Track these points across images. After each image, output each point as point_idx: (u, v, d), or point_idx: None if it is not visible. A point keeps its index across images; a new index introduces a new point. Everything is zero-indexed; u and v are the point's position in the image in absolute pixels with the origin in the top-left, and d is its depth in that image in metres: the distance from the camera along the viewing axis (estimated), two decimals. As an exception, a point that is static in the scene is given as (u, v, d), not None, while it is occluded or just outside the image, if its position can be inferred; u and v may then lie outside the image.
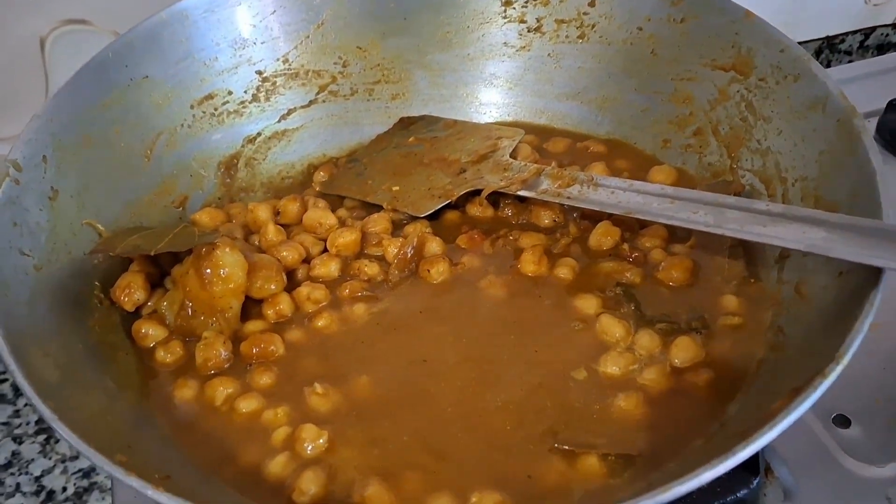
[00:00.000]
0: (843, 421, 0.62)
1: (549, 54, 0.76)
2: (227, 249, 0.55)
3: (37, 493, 0.71)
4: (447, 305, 0.59)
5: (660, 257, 0.61)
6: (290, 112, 0.75)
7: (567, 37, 0.75)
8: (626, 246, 0.62)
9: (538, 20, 0.75)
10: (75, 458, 0.74)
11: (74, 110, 0.61)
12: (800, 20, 1.02)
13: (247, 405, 0.53)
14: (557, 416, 0.51)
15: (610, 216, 0.62)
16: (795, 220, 0.51)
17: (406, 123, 0.77)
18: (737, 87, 0.65)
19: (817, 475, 0.58)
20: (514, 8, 0.75)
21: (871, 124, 0.88)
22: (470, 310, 0.59)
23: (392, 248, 0.62)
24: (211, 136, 0.71)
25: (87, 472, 0.72)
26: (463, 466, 0.49)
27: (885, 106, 0.88)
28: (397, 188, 0.69)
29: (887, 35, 1.11)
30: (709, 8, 0.66)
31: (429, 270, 0.61)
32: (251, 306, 0.59)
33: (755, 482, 0.55)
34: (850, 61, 1.11)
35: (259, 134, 0.74)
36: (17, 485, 0.72)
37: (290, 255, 0.61)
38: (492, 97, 0.78)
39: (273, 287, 0.59)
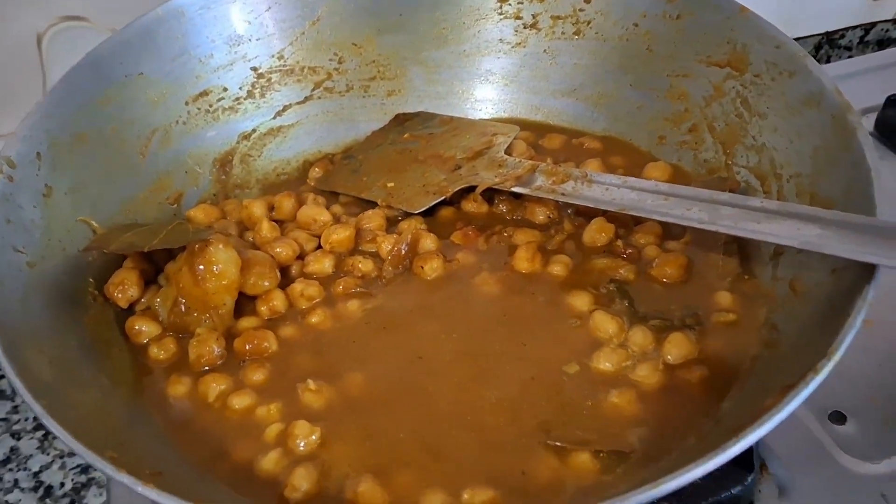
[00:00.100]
0: (838, 417, 0.62)
1: (544, 51, 0.76)
2: (221, 246, 0.55)
3: (35, 489, 0.71)
4: (441, 302, 0.59)
5: (654, 254, 0.60)
6: (285, 108, 0.75)
7: (563, 33, 0.75)
8: (620, 242, 0.62)
9: (534, 16, 0.75)
10: (73, 454, 0.74)
11: (69, 107, 0.61)
12: (800, 15, 1.02)
13: (240, 401, 0.53)
14: (550, 413, 0.51)
15: (604, 213, 0.62)
16: (789, 216, 0.51)
17: (401, 120, 0.77)
18: (732, 83, 0.65)
19: (812, 471, 0.58)
20: (510, 4, 0.75)
21: (870, 120, 0.87)
22: (464, 306, 0.59)
23: (386, 245, 0.62)
24: (206, 132, 0.71)
25: (85, 468, 0.72)
26: (456, 463, 0.49)
27: (884, 101, 0.88)
28: (392, 185, 0.69)
29: (887, 30, 1.11)
30: (704, 4, 0.66)
31: (423, 267, 0.61)
32: (245, 303, 0.59)
33: (750, 479, 0.55)
34: (850, 56, 1.11)
35: (254, 130, 0.74)
36: (16, 480, 0.72)
37: (284, 251, 0.61)
38: (487, 94, 0.78)
39: (267, 283, 0.59)
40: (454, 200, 0.67)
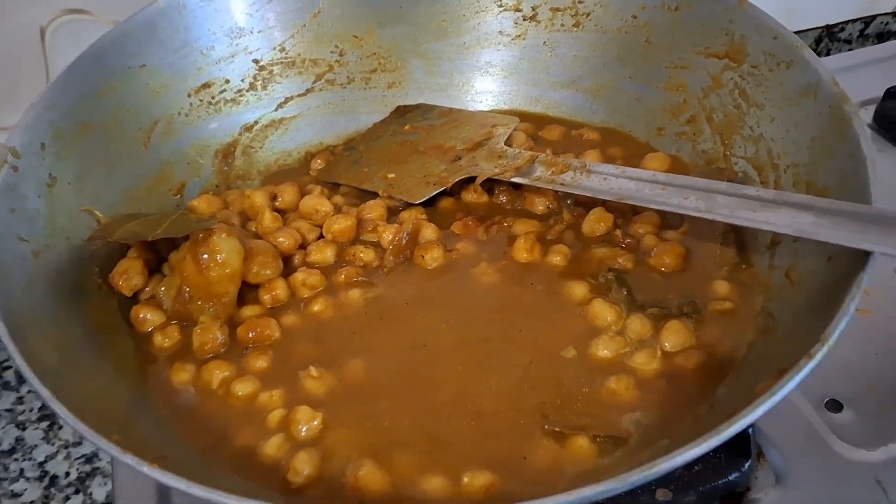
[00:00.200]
0: (835, 406, 0.62)
1: (544, 43, 0.76)
2: (224, 235, 0.55)
3: (40, 479, 0.72)
4: (441, 291, 0.60)
5: (652, 243, 0.61)
6: (286, 100, 0.76)
7: (562, 25, 0.75)
8: (618, 232, 0.62)
9: (533, 9, 0.75)
10: (78, 444, 0.75)
11: (72, 98, 0.61)
12: (799, 8, 1.02)
13: (243, 388, 0.54)
14: (549, 399, 0.52)
15: (603, 203, 0.63)
16: (785, 205, 0.51)
17: (402, 112, 0.77)
18: (730, 74, 0.65)
19: (809, 459, 0.58)
20: (510, -4, 0.76)
21: (869, 112, 0.88)
22: (464, 295, 0.60)
23: (387, 235, 0.63)
24: (208, 124, 0.72)
25: (90, 458, 0.73)
26: (455, 448, 0.49)
27: (882, 94, 0.88)
28: (393, 175, 0.69)
29: (887, 23, 1.11)
30: (702, -4, 0.67)
31: (423, 256, 0.61)
32: (247, 292, 0.60)
33: (747, 465, 0.56)
34: (849, 50, 1.11)
35: (256, 122, 0.75)
36: (21, 470, 0.72)
37: (286, 241, 0.62)
38: (487, 85, 0.78)
39: (269, 272, 0.59)
40: (454, 191, 0.68)
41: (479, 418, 0.51)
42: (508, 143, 0.70)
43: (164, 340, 0.57)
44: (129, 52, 0.66)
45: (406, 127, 0.74)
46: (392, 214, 0.66)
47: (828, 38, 1.09)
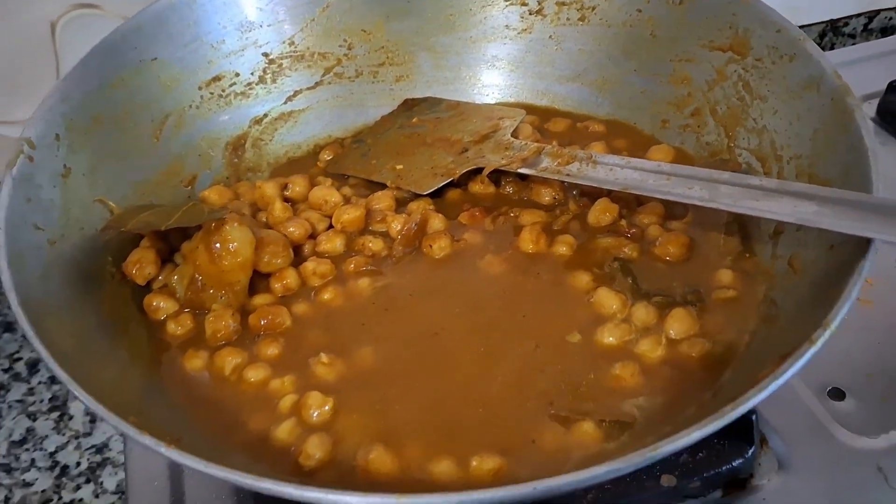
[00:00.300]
0: (837, 394, 0.63)
1: (549, 37, 0.77)
2: (236, 224, 0.56)
3: (51, 468, 0.73)
4: (449, 280, 0.61)
5: (657, 233, 0.62)
6: (295, 94, 0.76)
7: (568, 19, 0.76)
8: (623, 222, 0.63)
9: (539, 3, 0.76)
10: (88, 434, 0.75)
11: (86, 90, 0.62)
12: (804, 3, 1.02)
13: (255, 374, 0.55)
14: (555, 384, 0.52)
15: (608, 193, 0.64)
16: (787, 194, 0.52)
17: (410, 105, 0.78)
18: (734, 67, 0.66)
19: (811, 446, 0.59)
20: (516, -10, 0.76)
21: (872, 106, 0.88)
22: (471, 284, 0.60)
23: (396, 225, 0.64)
24: (218, 117, 0.72)
25: (100, 448, 0.74)
26: (464, 432, 0.50)
27: (885, 87, 0.89)
28: (401, 167, 0.70)
29: (891, 18, 1.11)
30: (707, -11, 0.67)
31: (431, 246, 0.62)
32: (258, 281, 0.61)
33: (750, 452, 0.57)
34: (853, 44, 1.11)
35: (265, 115, 0.75)
36: (32, 460, 0.73)
37: (296, 230, 0.63)
38: (494, 79, 0.79)
39: (280, 262, 0.60)
40: (461, 182, 0.68)
41: (487, 404, 0.52)
42: (515, 135, 0.70)
43: (178, 328, 0.58)
44: (141, 45, 0.67)
45: (414, 120, 0.75)
46: (400, 205, 0.67)
47: (832, 33, 1.10)
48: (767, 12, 0.63)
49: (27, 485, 0.72)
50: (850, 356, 0.65)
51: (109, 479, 0.72)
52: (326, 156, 0.75)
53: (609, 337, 0.55)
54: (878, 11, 1.09)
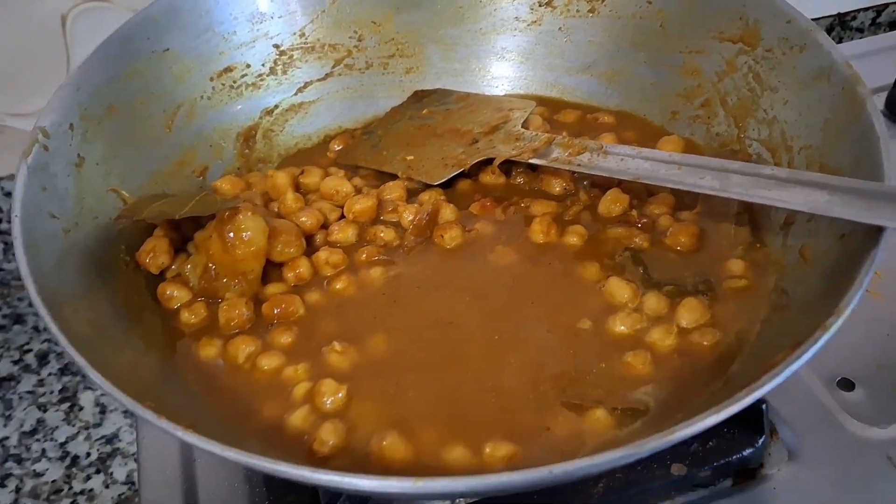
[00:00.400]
0: (846, 385, 0.63)
1: (559, 28, 0.77)
2: (249, 213, 0.56)
3: (62, 459, 0.73)
4: (460, 270, 0.61)
5: (667, 223, 0.62)
6: (306, 85, 0.77)
7: (577, 11, 0.76)
8: (634, 213, 0.63)
9: (549, -6, 0.76)
10: (98, 425, 0.76)
11: (99, 81, 0.62)
12: (812, -3, 1.02)
13: (268, 362, 0.55)
14: (567, 371, 0.53)
15: (619, 184, 0.64)
16: (799, 183, 0.52)
17: (419, 97, 0.78)
18: (744, 58, 0.66)
19: (821, 436, 0.60)
20: (526, -18, 0.76)
21: (881, 99, 0.88)
22: (482, 274, 0.60)
23: (408, 215, 0.64)
24: (230, 108, 0.73)
25: (110, 439, 0.75)
26: (477, 420, 0.51)
27: (894, 80, 0.89)
28: (412, 158, 0.70)
29: (899, 12, 1.12)
30: (716, -20, 0.67)
31: (442, 236, 0.62)
32: (270, 270, 0.61)
33: (760, 441, 0.57)
34: (861, 38, 1.11)
35: (276, 106, 0.76)
36: (43, 450, 0.74)
37: (308, 220, 0.63)
38: (503, 71, 0.79)
39: (293, 251, 0.60)
40: (472, 173, 0.69)
41: (500, 391, 0.52)
42: (525, 126, 0.70)
43: (191, 317, 0.58)
44: (153, 36, 0.67)
45: (424, 111, 0.75)
46: (411, 196, 0.67)
47: (840, 27, 1.10)
48: (778, 3, 0.63)
49: (38, 475, 0.73)
50: (860, 348, 0.66)
51: (119, 470, 0.72)
52: (336, 146, 0.75)
53: (620, 326, 0.55)
54: (886, 5, 1.09)
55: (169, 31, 0.68)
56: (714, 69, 0.68)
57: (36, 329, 0.87)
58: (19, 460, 0.74)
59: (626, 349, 0.54)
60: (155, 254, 0.60)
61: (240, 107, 0.73)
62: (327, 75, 0.77)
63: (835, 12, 1.08)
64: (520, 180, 0.68)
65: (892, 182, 0.49)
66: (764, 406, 0.57)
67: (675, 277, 0.58)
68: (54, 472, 0.73)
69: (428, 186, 0.68)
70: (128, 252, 0.61)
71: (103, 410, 0.78)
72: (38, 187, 0.55)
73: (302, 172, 0.69)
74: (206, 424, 0.50)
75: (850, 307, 0.43)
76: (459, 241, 0.63)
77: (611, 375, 0.53)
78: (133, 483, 0.72)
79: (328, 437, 0.49)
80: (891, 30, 1.12)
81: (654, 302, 0.56)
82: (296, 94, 0.76)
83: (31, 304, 0.87)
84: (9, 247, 0.88)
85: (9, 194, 0.85)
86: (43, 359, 0.83)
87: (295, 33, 0.75)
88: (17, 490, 0.71)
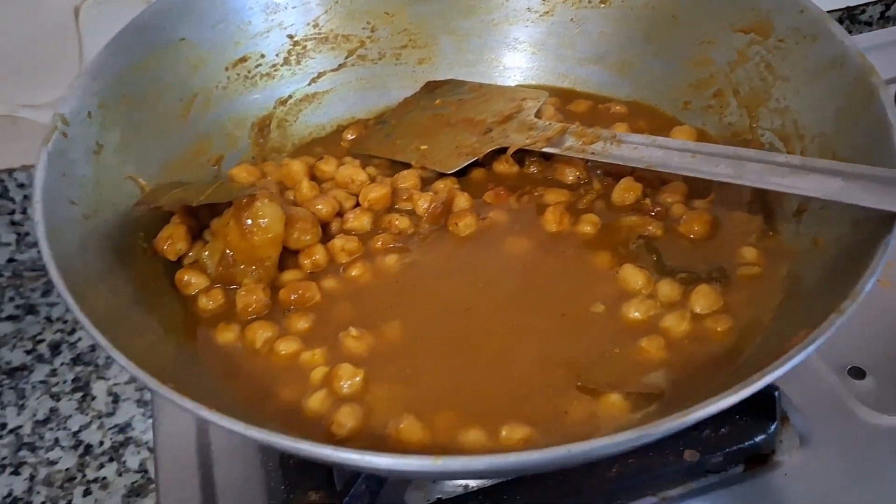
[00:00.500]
0: (857, 373, 0.64)
1: (571, 19, 0.77)
2: (267, 200, 0.57)
3: (75, 447, 0.74)
4: (475, 257, 0.61)
5: (681, 212, 0.62)
6: (320, 75, 0.77)
7: (589, 2, 0.76)
8: (647, 201, 0.63)
9: (561, -15, 0.77)
10: (111, 414, 0.77)
11: (116, 69, 0.63)
12: (820, -9, 1.02)
13: (285, 347, 0.55)
14: (581, 355, 0.53)
15: (632, 172, 0.64)
16: (813, 170, 0.52)
17: (432, 87, 0.78)
18: (756, 48, 0.66)
19: (832, 423, 0.60)
20: (538, -27, 0.77)
21: (890, 93, 0.88)
22: (496, 261, 0.61)
23: (422, 203, 0.64)
24: (245, 97, 0.73)
25: (123, 428, 0.75)
26: (492, 404, 0.51)
27: (903, 73, 0.89)
28: (425, 147, 0.70)
29: (908, 5, 1.12)
30: (728, -29, 0.68)
31: (457, 224, 0.63)
32: (286, 258, 0.61)
33: (772, 428, 0.57)
34: (870, 31, 1.11)
35: (290, 96, 0.76)
36: (56, 439, 0.74)
37: (324, 208, 0.63)
38: (515, 61, 0.79)
39: (309, 238, 0.61)
40: (486, 162, 0.69)
41: (515, 376, 0.52)
42: (538, 116, 0.71)
43: (209, 303, 0.59)
44: (169, 25, 0.67)
45: (436, 101, 0.76)
46: (425, 185, 0.68)
47: (849, 20, 1.10)
48: (790, -7, 0.63)
49: (51, 463, 0.73)
50: (870, 337, 0.66)
51: (132, 458, 0.73)
52: (349, 136, 0.76)
53: (635, 312, 0.55)
54: (895, -1, 1.10)
55: (184, 21, 0.68)
56: (726, 59, 0.69)
57: (48, 319, 0.87)
58: (33, 449, 0.74)
59: (641, 335, 0.54)
60: (172, 241, 0.61)
61: (254, 97, 0.74)
62: (340, 66, 0.77)
63: (844, 6, 1.08)
64: (533, 169, 0.68)
65: (906, 169, 0.50)
66: (776, 393, 0.58)
67: (689, 265, 0.59)
68: (68, 460, 0.73)
69: (441, 175, 0.68)
70: (146, 239, 0.62)
71: (116, 400, 0.78)
72: (58, 173, 0.56)
73: (321, 159, 0.69)
74: (224, 407, 0.50)
75: (865, 291, 0.44)
76: (474, 229, 0.63)
77: (625, 360, 0.53)
78: (146, 471, 0.72)
79: (346, 420, 0.50)
80: (900, 23, 1.12)
81: (667, 289, 0.56)
82: (309, 84, 0.77)
83: (43, 295, 0.89)
84: (21, 237, 0.89)
85: (21, 185, 0.85)
86: (55, 349, 0.84)
87: (309, 24, 0.75)
88: (31, 478, 0.72)
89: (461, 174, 0.68)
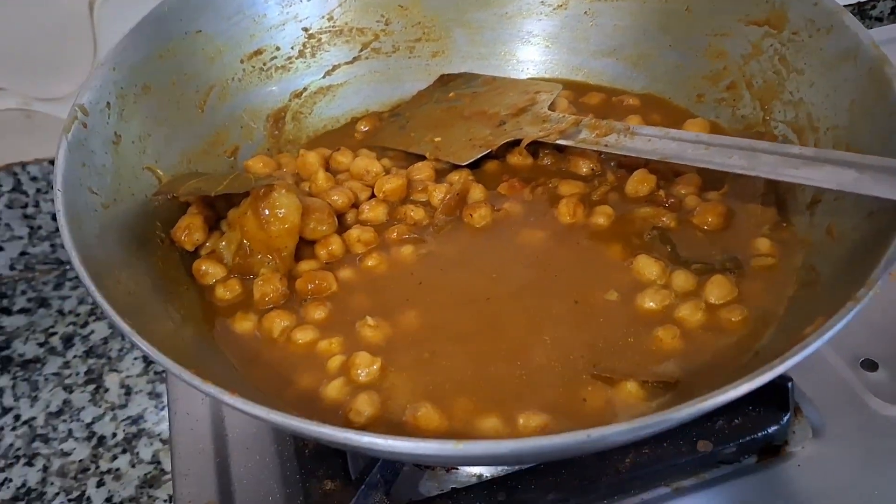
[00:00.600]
0: (870, 365, 0.64)
1: (585, 12, 0.77)
2: (284, 191, 0.57)
3: (88, 439, 0.75)
4: (489, 248, 0.62)
5: (694, 203, 0.62)
6: (334, 68, 0.77)
7: (603, -6, 0.76)
8: (661, 193, 0.63)
9: (575, -22, 0.77)
10: (124, 406, 0.77)
11: (134, 61, 0.63)
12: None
13: (303, 336, 0.56)
14: (597, 344, 0.54)
15: (646, 164, 0.64)
16: (827, 161, 0.53)
17: (446, 80, 0.79)
18: (770, 41, 0.66)
19: (845, 414, 0.60)
20: (551, -33, 0.77)
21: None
22: (511, 252, 0.61)
23: (438, 194, 0.65)
24: (260, 89, 0.74)
25: (136, 420, 0.76)
26: (508, 391, 0.51)
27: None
28: (439, 139, 0.71)
29: (918, 2, 1.12)
30: (743, -36, 0.68)
31: (472, 215, 0.63)
32: (303, 248, 0.62)
33: (785, 419, 0.57)
34: (881, 27, 1.11)
35: (305, 89, 0.76)
36: (70, 431, 0.75)
37: (340, 199, 0.64)
38: (529, 55, 0.79)
39: (325, 228, 0.61)
40: (500, 154, 0.69)
41: (530, 364, 0.53)
42: (551, 108, 0.71)
43: (226, 293, 0.59)
44: (186, 18, 0.68)
45: (450, 94, 0.76)
46: (439, 177, 0.68)
47: (859, 16, 1.10)
48: (804, -15, 0.63)
49: (65, 454, 0.74)
50: (883, 330, 0.66)
51: (145, 450, 0.73)
52: (363, 128, 0.76)
53: (649, 302, 0.56)
54: (906, -6, 1.10)
55: (200, 13, 0.69)
56: (740, 52, 0.69)
57: (60, 312, 0.88)
58: (46, 440, 0.75)
59: (656, 324, 0.54)
60: (190, 231, 0.61)
61: (270, 89, 0.74)
62: (355, 59, 0.78)
63: (855, 1, 1.08)
64: (547, 161, 0.69)
65: (920, 160, 0.50)
66: (789, 384, 0.58)
67: (703, 255, 0.59)
68: (81, 451, 0.74)
69: (456, 167, 0.69)
70: (163, 229, 0.62)
71: (128, 392, 0.79)
72: (77, 163, 0.56)
73: (337, 150, 0.70)
74: (242, 394, 0.51)
75: (881, 280, 0.44)
76: (488, 221, 0.63)
77: (640, 349, 0.53)
78: (159, 462, 0.73)
79: (364, 407, 0.50)
80: (910, 19, 1.12)
81: (682, 279, 0.57)
82: (324, 77, 0.77)
83: (55, 288, 0.89)
84: (34, 231, 0.90)
85: (34, 178, 0.86)
86: (68, 341, 0.84)
87: (323, 16, 0.76)
88: (45, 469, 0.73)
89: (475, 166, 0.69)
